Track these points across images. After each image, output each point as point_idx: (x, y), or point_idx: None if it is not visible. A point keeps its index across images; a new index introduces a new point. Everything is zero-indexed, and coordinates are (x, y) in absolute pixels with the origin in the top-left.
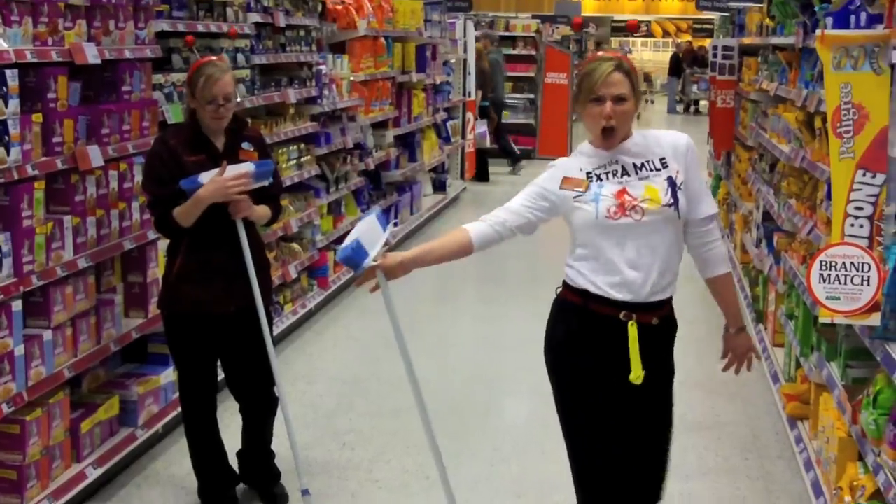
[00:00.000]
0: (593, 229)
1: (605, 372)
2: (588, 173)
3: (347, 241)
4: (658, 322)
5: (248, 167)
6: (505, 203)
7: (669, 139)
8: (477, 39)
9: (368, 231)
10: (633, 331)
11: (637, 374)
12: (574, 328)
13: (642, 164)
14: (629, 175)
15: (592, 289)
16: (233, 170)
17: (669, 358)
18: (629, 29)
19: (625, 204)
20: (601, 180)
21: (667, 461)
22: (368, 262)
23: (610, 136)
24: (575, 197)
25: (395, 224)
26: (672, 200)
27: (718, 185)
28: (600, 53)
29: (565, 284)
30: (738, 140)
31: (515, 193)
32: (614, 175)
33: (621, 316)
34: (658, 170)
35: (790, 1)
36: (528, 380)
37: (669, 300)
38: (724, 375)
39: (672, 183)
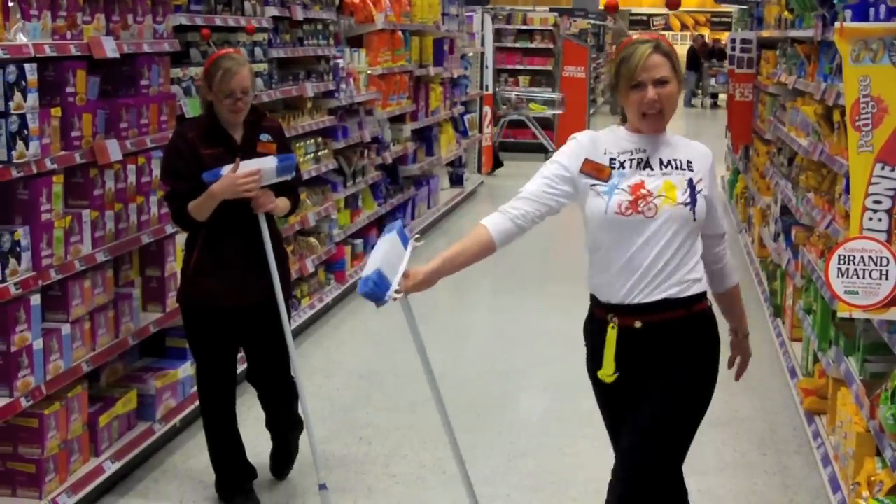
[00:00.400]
0: (600, 223)
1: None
2: (612, 158)
3: (368, 272)
4: (642, 326)
5: (261, 163)
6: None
7: (699, 148)
8: None
9: (389, 253)
10: (612, 333)
11: (607, 372)
12: (588, 331)
13: (669, 161)
14: (652, 168)
15: (596, 293)
16: (245, 166)
17: (681, 368)
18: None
19: (639, 199)
20: (623, 168)
21: (655, 474)
22: (391, 294)
23: (656, 121)
24: (593, 185)
25: (418, 240)
26: (689, 200)
27: (736, 179)
28: (636, 36)
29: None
30: (757, 134)
31: None
32: (638, 164)
33: (608, 318)
34: (683, 169)
35: None
36: (543, 374)
37: (666, 303)
38: None
39: (692, 185)
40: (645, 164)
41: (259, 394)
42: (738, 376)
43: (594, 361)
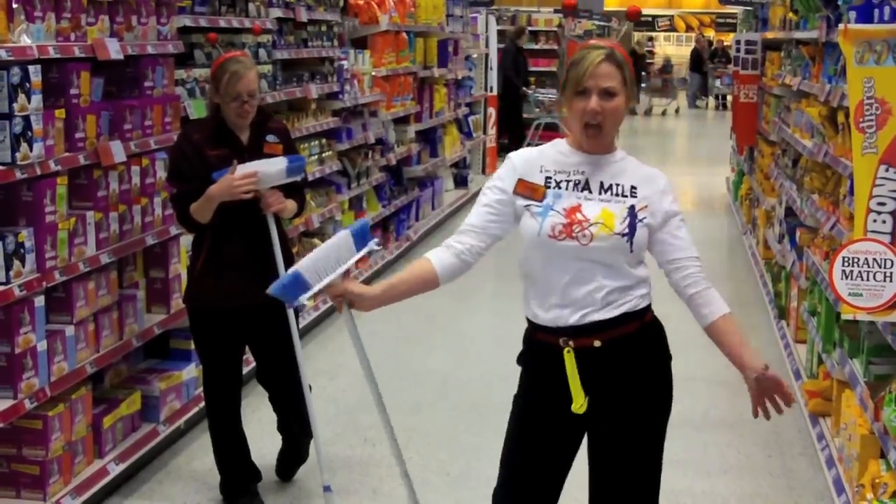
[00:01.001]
0: (534, 244)
1: (553, 408)
2: (548, 177)
3: (288, 272)
4: (602, 345)
5: (271, 164)
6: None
7: (648, 172)
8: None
9: (329, 253)
10: (569, 358)
11: (579, 403)
12: (525, 360)
13: (610, 186)
14: (590, 192)
15: (531, 316)
16: (249, 167)
17: (642, 384)
18: (629, 17)
19: (573, 223)
20: (559, 188)
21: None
22: (303, 300)
23: (595, 136)
24: (527, 206)
25: (378, 245)
26: (627, 231)
27: (741, 181)
28: (592, 41)
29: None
30: (761, 135)
31: None
32: (575, 186)
33: (560, 342)
34: (625, 196)
35: None
36: None
37: (624, 318)
38: None
39: (633, 214)
40: (583, 187)
41: (269, 395)
42: (765, 412)
43: (540, 393)
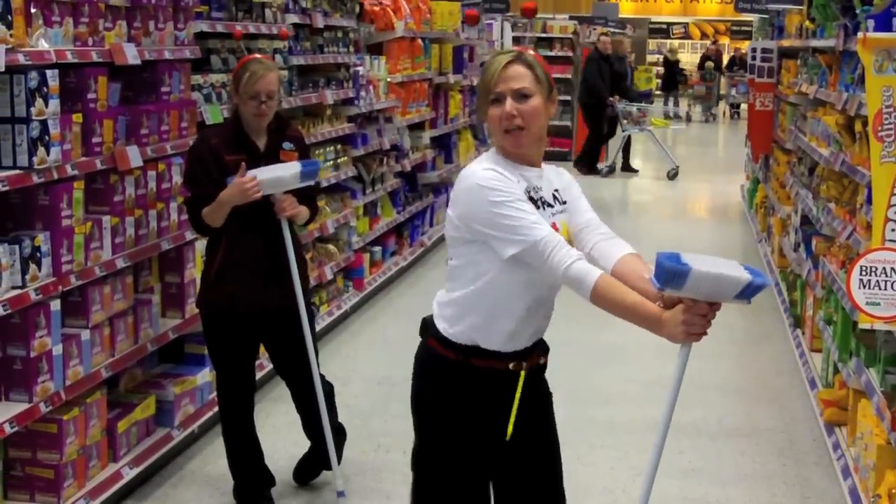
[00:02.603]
0: (507, 265)
1: (486, 431)
2: (534, 197)
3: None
4: (545, 360)
5: (285, 169)
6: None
7: (554, 170)
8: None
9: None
10: (521, 380)
11: (511, 430)
12: (448, 388)
13: (555, 194)
14: (552, 206)
15: (482, 343)
16: (263, 172)
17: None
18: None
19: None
20: (538, 206)
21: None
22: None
23: (517, 138)
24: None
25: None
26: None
27: (756, 189)
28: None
29: (435, 334)
30: (777, 143)
31: None
32: (541, 203)
33: (510, 367)
34: (564, 202)
35: (831, 3)
36: (561, 383)
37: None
38: (762, 381)
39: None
40: (547, 203)
41: (293, 396)
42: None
43: (488, 424)
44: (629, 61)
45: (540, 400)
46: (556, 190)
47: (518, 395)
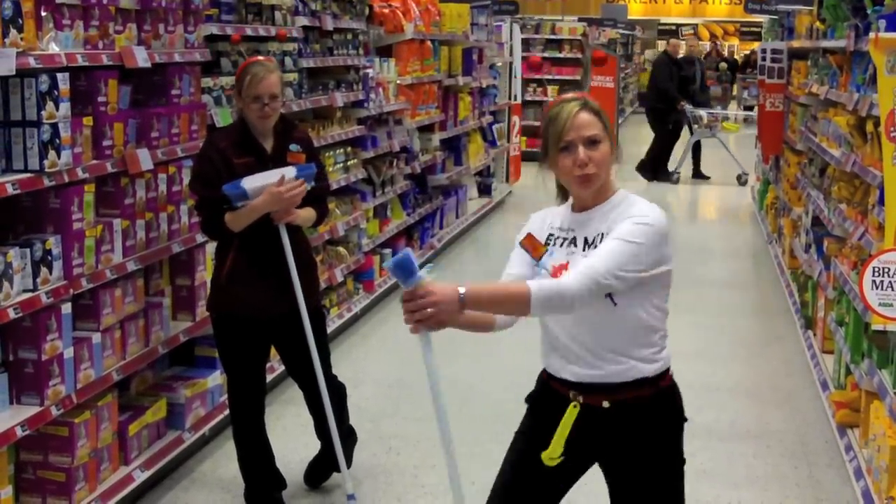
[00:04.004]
0: None
1: (534, 442)
2: (550, 234)
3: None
4: (610, 406)
5: (281, 173)
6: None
7: (628, 213)
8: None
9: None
10: (572, 411)
11: (552, 455)
12: (534, 394)
13: (593, 240)
14: (576, 247)
15: (549, 368)
16: (265, 177)
17: (647, 454)
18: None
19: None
20: (554, 246)
21: None
22: (418, 279)
23: (589, 185)
24: (529, 262)
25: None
26: None
27: (767, 190)
28: (562, 97)
29: None
30: (788, 144)
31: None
32: (564, 243)
33: (570, 395)
34: (595, 247)
35: (841, 3)
36: None
37: (631, 384)
38: (773, 383)
39: None
40: (571, 243)
41: (305, 397)
42: None
43: (539, 437)
44: (702, 66)
45: (620, 451)
46: (598, 235)
47: (564, 421)
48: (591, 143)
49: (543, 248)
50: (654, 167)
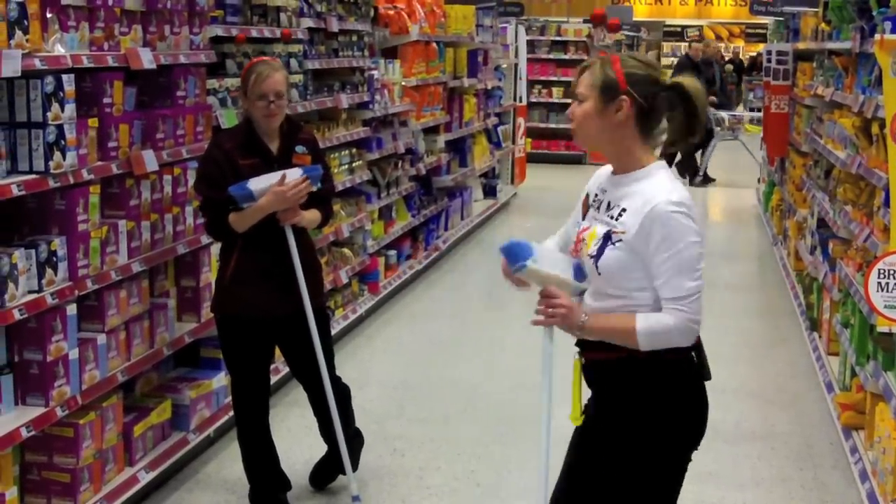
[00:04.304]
0: None
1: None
2: (594, 195)
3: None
4: (585, 363)
5: (296, 173)
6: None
7: (648, 195)
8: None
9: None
10: (577, 366)
11: (574, 415)
12: None
13: (612, 206)
14: (599, 211)
15: None
16: (269, 178)
17: (618, 421)
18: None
19: (578, 242)
20: (592, 208)
21: None
22: (529, 264)
23: (575, 138)
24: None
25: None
26: (595, 253)
27: (772, 192)
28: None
29: None
30: (793, 146)
31: (565, 203)
32: (598, 205)
33: (577, 353)
34: (613, 219)
35: (847, 5)
36: None
37: (601, 344)
38: (778, 385)
39: (608, 237)
40: (599, 206)
41: (310, 399)
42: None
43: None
44: (722, 68)
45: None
46: (617, 208)
47: (575, 381)
48: (578, 99)
49: (585, 209)
50: (681, 172)
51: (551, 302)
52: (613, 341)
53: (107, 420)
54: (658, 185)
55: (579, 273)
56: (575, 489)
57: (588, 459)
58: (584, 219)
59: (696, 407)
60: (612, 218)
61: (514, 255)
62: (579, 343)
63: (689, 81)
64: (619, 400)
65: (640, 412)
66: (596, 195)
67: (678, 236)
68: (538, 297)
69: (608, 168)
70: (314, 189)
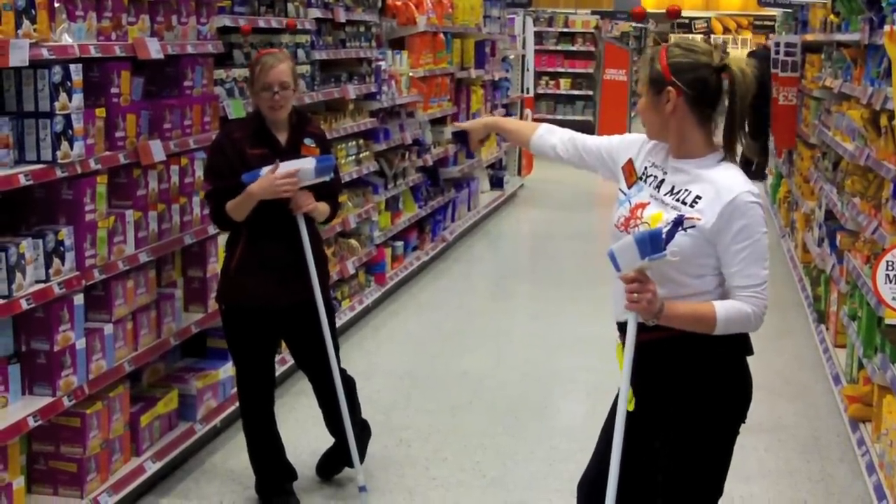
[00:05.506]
0: (611, 230)
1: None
2: (646, 167)
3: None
4: (665, 339)
5: (299, 164)
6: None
7: (723, 185)
8: None
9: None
10: (620, 350)
11: (628, 399)
12: None
13: (678, 190)
14: (659, 191)
15: (616, 318)
16: (284, 167)
17: (669, 401)
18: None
19: (632, 218)
20: (643, 181)
21: None
22: (652, 258)
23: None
24: (619, 189)
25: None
26: (665, 237)
27: (780, 183)
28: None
29: None
30: (801, 138)
31: (572, 194)
32: (653, 182)
33: (619, 338)
34: (683, 203)
35: None
36: (584, 378)
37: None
38: (786, 377)
39: (678, 222)
40: (658, 185)
41: (315, 391)
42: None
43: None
44: None
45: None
46: (687, 190)
47: (621, 365)
48: (638, 94)
49: (635, 180)
50: (745, 164)
51: (644, 287)
52: (686, 328)
53: (113, 410)
54: (733, 176)
55: (655, 246)
56: (628, 470)
57: (641, 440)
58: (629, 187)
59: (742, 380)
60: (683, 203)
61: (657, 245)
62: (620, 327)
63: (737, 61)
64: (668, 378)
65: (691, 389)
66: (646, 168)
67: (755, 227)
68: (620, 282)
69: (643, 136)
70: (327, 179)
